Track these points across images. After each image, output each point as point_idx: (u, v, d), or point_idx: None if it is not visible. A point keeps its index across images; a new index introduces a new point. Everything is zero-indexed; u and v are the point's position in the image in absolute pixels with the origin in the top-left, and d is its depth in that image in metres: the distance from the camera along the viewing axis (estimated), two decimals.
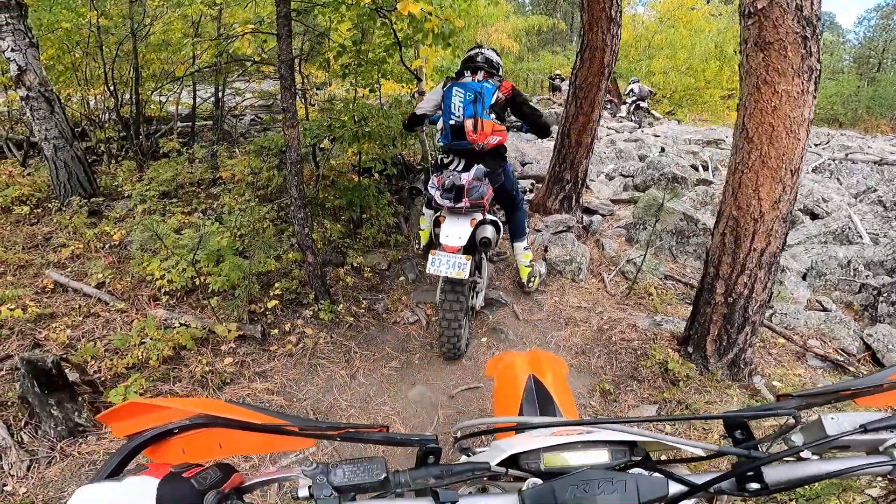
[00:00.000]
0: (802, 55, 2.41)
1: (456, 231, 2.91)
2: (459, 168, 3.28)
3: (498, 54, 3.48)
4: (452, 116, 3.21)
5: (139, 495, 0.54)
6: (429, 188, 3.09)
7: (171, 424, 0.65)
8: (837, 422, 0.65)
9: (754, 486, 0.63)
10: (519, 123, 3.49)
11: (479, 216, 2.99)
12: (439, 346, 3.16)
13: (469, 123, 3.13)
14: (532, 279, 3.76)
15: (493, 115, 3.20)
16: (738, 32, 2.63)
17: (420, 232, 3.85)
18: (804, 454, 0.66)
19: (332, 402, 2.83)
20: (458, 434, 0.72)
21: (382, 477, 0.61)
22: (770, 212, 2.64)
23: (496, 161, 3.31)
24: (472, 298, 3.32)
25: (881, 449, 0.64)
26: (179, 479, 0.56)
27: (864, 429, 0.63)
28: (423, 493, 0.63)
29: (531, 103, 3.50)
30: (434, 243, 3.11)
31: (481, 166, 3.15)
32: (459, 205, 2.92)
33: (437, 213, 3.12)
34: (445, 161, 3.37)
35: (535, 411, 1.22)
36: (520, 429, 0.99)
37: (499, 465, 0.66)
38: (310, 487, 0.60)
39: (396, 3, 2.73)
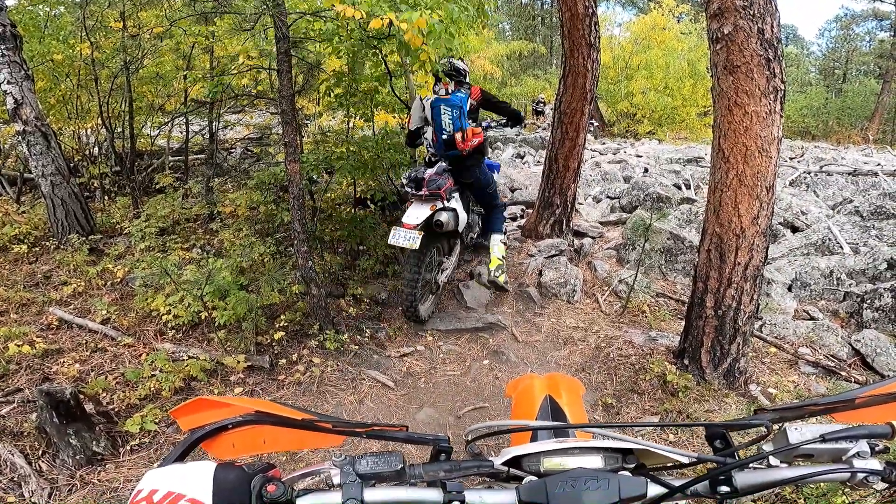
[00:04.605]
0: (767, 76, 2.58)
1: (415, 213, 3.48)
2: (445, 165, 3.81)
3: (463, 62, 4.01)
4: (444, 132, 3.74)
5: (200, 476, 0.62)
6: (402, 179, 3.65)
7: (227, 420, 0.74)
8: (800, 432, 0.71)
9: (724, 489, 0.70)
10: (503, 121, 4.09)
11: (439, 204, 3.55)
12: (401, 305, 3.71)
13: (458, 136, 3.69)
14: (499, 272, 3.99)
15: (471, 122, 3.77)
16: (708, 50, 2.80)
17: None
18: (773, 462, 0.72)
19: None
20: (469, 437, 0.80)
21: (399, 468, 0.70)
22: (750, 227, 2.79)
23: (475, 158, 3.90)
24: (438, 274, 3.88)
25: (843, 458, 0.69)
26: (232, 466, 0.65)
27: (823, 438, 0.69)
28: (433, 485, 0.71)
29: (500, 99, 4.27)
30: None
31: (442, 163, 3.75)
32: (420, 192, 3.51)
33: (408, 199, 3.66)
34: (434, 160, 3.90)
35: None
36: (528, 433, 1.08)
37: (503, 465, 0.75)
38: (339, 475, 0.69)
39: (390, 35, 3.03)
